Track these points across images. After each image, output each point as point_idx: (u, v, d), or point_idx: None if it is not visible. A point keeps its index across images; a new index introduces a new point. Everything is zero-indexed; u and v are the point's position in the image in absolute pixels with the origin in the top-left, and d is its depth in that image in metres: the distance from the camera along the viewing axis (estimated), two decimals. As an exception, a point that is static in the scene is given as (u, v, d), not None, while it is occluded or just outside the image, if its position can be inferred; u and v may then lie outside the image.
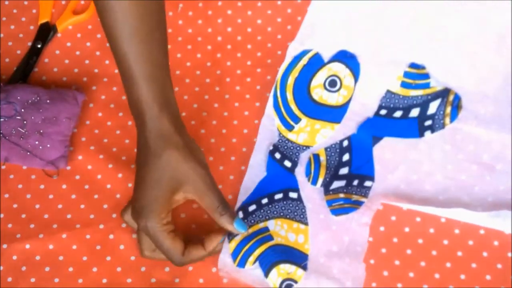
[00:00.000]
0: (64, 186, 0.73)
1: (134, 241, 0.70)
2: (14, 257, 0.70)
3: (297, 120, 0.73)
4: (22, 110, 0.73)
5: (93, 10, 0.81)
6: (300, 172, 0.71)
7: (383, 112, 0.73)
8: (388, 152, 0.71)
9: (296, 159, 0.71)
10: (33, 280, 0.69)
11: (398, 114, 0.72)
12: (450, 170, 0.70)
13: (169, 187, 0.62)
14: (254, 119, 0.75)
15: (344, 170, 0.71)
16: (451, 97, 0.72)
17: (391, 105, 0.73)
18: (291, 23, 0.79)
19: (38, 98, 0.73)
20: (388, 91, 0.73)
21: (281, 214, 0.69)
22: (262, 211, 0.69)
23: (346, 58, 0.74)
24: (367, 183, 0.70)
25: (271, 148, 0.72)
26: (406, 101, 0.73)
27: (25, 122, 0.72)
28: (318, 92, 0.73)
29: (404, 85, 0.73)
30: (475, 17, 0.75)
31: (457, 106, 0.72)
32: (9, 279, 0.69)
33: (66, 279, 0.69)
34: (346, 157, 0.71)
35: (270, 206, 0.69)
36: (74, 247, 0.70)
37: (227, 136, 0.74)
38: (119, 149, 0.75)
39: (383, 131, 0.72)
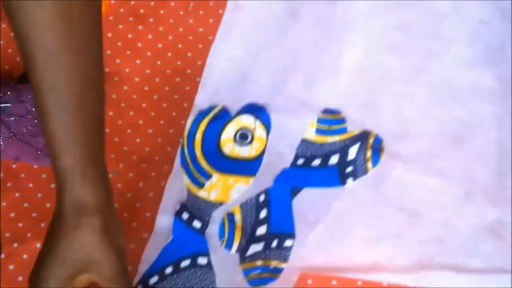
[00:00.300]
0: (74, 185, 0.73)
1: (144, 239, 0.69)
2: (25, 256, 0.69)
3: (207, 176, 0.68)
4: (33, 109, 0.73)
5: (104, 9, 0.81)
6: (212, 234, 0.66)
7: (300, 161, 0.69)
8: (309, 204, 0.67)
9: (207, 218, 0.67)
10: (43, 279, 0.69)
11: (316, 162, 0.69)
12: (376, 219, 0.67)
13: (75, 268, 0.53)
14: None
15: (262, 229, 0.66)
16: (371, 140, 0.69)
17: (309, 154, 0.69)
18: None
19: (48, 97, 0.73)
20: (304, 140, 0.70)
21: (187, 285, 0.64)
22: (165, 283, 0.64)
23: (255, 110, 0.71)
24: (287, 243, 0.66)
25: (177, 208, 0.67)
26: (323, 148, 0.69)
27: (36, 121, 0.72)
28: (229, 146, 0.69)
29: (319, 131, 0.70)
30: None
31: (378, 149, 0.69)
32: (20, 278, 0.69)
33: (76, 278, 0.69)
34: (263, 213, 0.67)
35: (174, 276, 0.64)
36: (84, 246, 0.70)
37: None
38: (129, 148, 0.75)
39: (302, 181, 0.68)
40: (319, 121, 0.70)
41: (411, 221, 0.66)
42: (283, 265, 0.65)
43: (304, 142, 0.69)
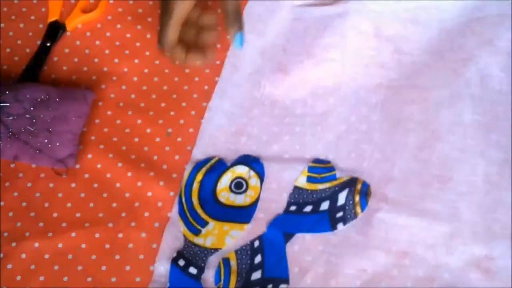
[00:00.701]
0: (73, 185, 0.73)
1: (142, 239, 0.70)
2: (23, 256, 0.70)
3: (204, 223, 0.70)
4: (32, 108, 0.73)
5: (102, 8, 0.81)
6: (208, 279, 0.68)
7: (292, 208, 0.71)
8: (301, 249, 0.69)
9: (203, 264, 0.68)
10: (42, 278, 0.69)
11: (308, 209, 0.70)
12: (367, 262, 0.68)
13: None
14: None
15: (256, 274, 0.68)
16: (359, 186, 0.71)
17: (300, 200, 0.71)
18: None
19: (47, 96, 0.73)
20: (296, 187, 0.72)
21: None
22: None
23: (249, 160, 0.73)
24: (282, 287, 0.67)
25: (174, 255, 0.69)
26: (314, 195, 0.71)
27: (34, 120, 0.72)
28: (225, 195, 0.71)
29: (310, 179, 0.72)
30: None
31: (365, 193, 0.70)
32: (18, 278, 0.69)
33: (75, 278, 0.69)
34: (258, 259, 0.68)
35: None
36: (83, 245, 0.70)
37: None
38: (128, 148, 0.75)
39: (294, 227, 0.70)
40: (310, 169, 0.72)
41: (400, 262, 0.68)
42: None
43: (296, 189, 0.72)
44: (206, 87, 0.77)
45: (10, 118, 0.72)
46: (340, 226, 0.69)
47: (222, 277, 0.68)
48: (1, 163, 0.73)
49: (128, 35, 0.80)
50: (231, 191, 0.72)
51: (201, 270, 0.69)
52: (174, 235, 0.70)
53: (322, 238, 0.69)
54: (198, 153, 0.74)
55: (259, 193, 0.72)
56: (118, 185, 0.73)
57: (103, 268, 0.69)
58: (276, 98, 0.76)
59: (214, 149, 0.74)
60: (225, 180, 0.72)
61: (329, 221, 0.70)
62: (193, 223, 0.71)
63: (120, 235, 0.70)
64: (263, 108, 0.76)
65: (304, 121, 0.75)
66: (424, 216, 0.69)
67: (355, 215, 0.70)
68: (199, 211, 0.71)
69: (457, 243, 0.68)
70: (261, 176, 0.72)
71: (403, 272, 0.67)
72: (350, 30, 0.77)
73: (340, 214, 0.70)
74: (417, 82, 0.75)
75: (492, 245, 0.67)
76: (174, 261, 0.69)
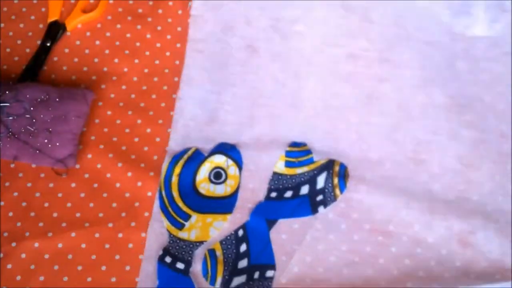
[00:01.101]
0: (73, 185, 0.73)
1: (143, 239, 0.70)
2: (23, 256, 0.69)
3: (186, 217, 0.70)
4: (31, 108, 0.73)
5: (102, 8, 0.81)
6: (196, 272, 0.69)
7: (273, 194, 0.71)
8: (285, 235, 0.70)
9: (189, 258, 0.69)
10: (42, 278, 0.69)
11: (288, 194, 0.71)
12: (350, 243, 0.69)
13: None
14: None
15: (243, 263, 0.69)
16: (336, 168, 0.71)
17: (280, 186, 0.71)
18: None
19: (47, 96, 0.73)
20: (275, 173, 0.72)
21: None
22: None
23: (226, 149, 0.73)
24: (269, 273, 0.68)
25: (160, 253, 0.69)
26: (294, 180, 0.72)
27: (34, 120, 0.72)
28: (205, 186, 0.72)
29: (288, 164, 0.72)
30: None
31: (343, 175, 0.71)
32: (18, 278, 0.69)
33: (75, 278, 0.69)
34: (243, 247, 0.69)
35: None
36: (83, 245, 0.70)
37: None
38: (128, 148, 0.75)
39: (276, 213, 0.71)
40: (287, 154, 0.73)
41: (382, 241, 0.69)
42: None
43: (275, 175, 0.72)
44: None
45: (10, 118, 0.72)
46: (321, 209, 0.70)
47: (209, 268, 0.68)
48: (1, 163, 0.73)
49: (128, 35, 0.80)
50: (211, 181, 0.72)
51: (188, 264, 0.69)
52: (158, 231, 0.70)
53: (304, 222, 0.70)
54: (174, 146, 0.73)
55: (239, 182, 0.72)
56: (118, 185, 0.73)
57: (103, 268, 0.69)
58: (246, 77, 0.75)
59: (189, 140, 0.73)
60: (204, 171, 0.72)
61: (309, 205, 0.70)
62: (176, 218, 0.70)
63: (120, 235, 0.70)
64: (233, 90, 0.75)
65: (277, 101, 0.74)
66: (401, 196, 0.70)
67: (334, 198, 0.71)
68: (181, 204, 0.71)
69: (435, 219, 0.69)
70: (239, 164, 0.72)
71: (384, 251, 0.69)
72: (318, 3, 0.77)
73: (320, 197, 0.70)
74: (388, 57, 0.75)
75: (468, 220, 0.69)
76: (161, 259, 0.69)
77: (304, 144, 0.73)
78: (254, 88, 0.75)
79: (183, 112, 0.75)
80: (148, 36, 0.80)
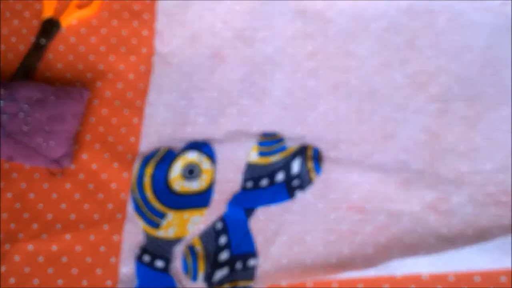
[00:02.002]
0: (68, 186, 0.72)
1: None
2: (17, 258, 0.69)
3: (162, 215, 0.71)
4: (27, 107, 0.72)
5: (97, 5, 0.80)
6: (176, 269, 0.69)
7: (249, 184, 0.72)
8: (264, 222, 0.70)
9: (169, 256, 0.69)
10: (36, 281, 0.68)
11: (264, 182, 0.72)
12: (328, 222, 0.70)
13: None
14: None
15: (224, 255, 0.69)
16: (310, 152, 0.73)
17: (255, 176, 0.72)
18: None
19: (43, 95, 0.72)
20: (249, 164, 0.73)
21: None
22: None
23: (198, 145, 0.74)
24: (251, 262, 0.69)
25: (138, 252, 0.69)
26: (268, 168, 0.73)
27: (29, 119, 0.71)
28: (179, 183, 0.72)
29: (262, 154, 0.73)
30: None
31: (317, 158, 0.72)
32: (12, 280, 0.68)
33: (70, 281, 0.68)
34: (223, 239, 0.70)
35: None
36: (78, 248, 0.69)
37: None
38: (124, 148, 0.74)
39: (253, 202, 0.71)
40: (260, 144, 0.74)
41: (360, 218, 0.70)
42: (251, 284, 0.68)
43: (250, 166, 0.73)
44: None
45: (5, 117, 0.71)
46: (298, 193, 0.71)
47: (190, 264, 0.68)
48: (-5, 163, 0.73)
49: (124, 32, 0.79)
50: (185, 178, 0.72)
51: (168, 262, 0.69)
52: (133, 232, 0.70)
53: (282, 208, 0.71)
54: (146, 149, 0.74)
55: (213, 176, 0.72)
56: (113, 185, 0.72)
57: (98, 271, 0.68)
58: (214, 82, 0.77)
59: (161, 144, 0.74)
60: (177, 168, 0.73)
61: (286, 190, 0.71)
62: (151, 217, 0.70)
63: (115, 237, 0.70)
64: (202, 94, 0.76)
65: (246, 99, 0.76)
66: (376, 171, 0.72)
67: (310, 181, 0.71)
68: (156, 204, 0.71)
69: (411, 190, 0.71)
70: (212, 158, 0.73)
71: (363, 226, 0.69)
72: (276, 13, 0.79)
73: (296, 182, 0.72)
74: (349, 49, 0.77)
75: (443, 188, 0.70)
76: (139, 258, 0.69)
77: (275, 133, 0.74)
78: (222, 91, 0.76)
79: (152, 118, 0.75)
80: (145, 33, 0.79)
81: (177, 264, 0.69)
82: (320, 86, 0.76)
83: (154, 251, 0.69)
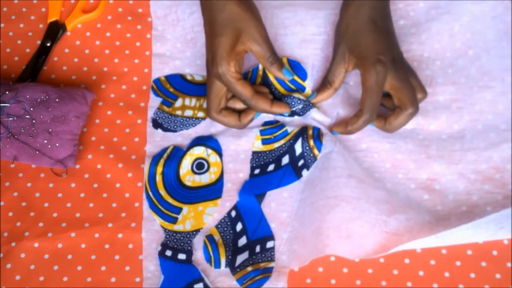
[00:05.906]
0: (73, 185, 0.73)
1: (142, 239, 0.70)
2: (23, 255, 0.69)
3: (178, 210, 0.72)
4: (31, 109, 0.73)
5: (102, 8, 0.81)
6: (199, 259, 0.70)
7: (257, 171, 0.73)
8: (277, 205, 0.72)
9: (189, 247, 0.70)
10: (41, 278, 0.69)
11: (271, 167, 0.73)
12: (332, 188, 0.70)
13: (232, 34, 0.68)
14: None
15: (242, 240, 0.70)
16: (310, 132, 0.74)
17: (262, 162, 0.74)
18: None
19: (47, 96, 0.73)
20: (254, 152, 0.74)
21: None
22: None
23: (204, 140, 0.75)
24: (269, 244, 0.70)
25: (159, 249, 0.70)
26: (274, 154, 0.74)
27: (34, 121, 0.72)
28: (190, 179, 0.73)
29: (265, 141, 0.74)
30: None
31: (318, 135, 0.73)
32: (17, 277, 0.69)
33: (75, 278, 0.69)
34: (239, 226, 0.71)
35: None
36: (83, 246, 0.70)
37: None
38: (128, 148, 0.75)
39: (263, 187, 0.72)
40: (262, 132, 0.75)
41: (364, 186, 0.70)
42: (272, 264, 0.69)
43: (255, 154, 0.74)
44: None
45: (10, 118, 0.72)
46: (304, 172, 0.72)
47: (211, 252, 0.70)
48: (1, 163, 0.73)
49: (128, 35, 0.80)
50: (195, 173, 0.73)
51: (189, 253, 0.70)
52: (152, 230, 0.71)
53: (292, 189, 0.72)
54: (152, 149, 0.75)
55: (222, 168, 0.74)
56: (118, 185, 0.73)
57: (103, 268, 0.69)
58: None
59: (166, 143, 0.75)
60: (186, 164, 0.74)
61: (293, 171, 0.73)
62: (168, 213, 0.72)
63: (120, 235, 0.70)
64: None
65: None
66: (389, 141, 0.74)
67: (314, 158, 0.73)
68: (170, 200, 0.72)
69: (400, 173, 0.72)
70: (218, 151, 0.74)
71: (364, 195, 0.69)
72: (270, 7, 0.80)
73: (301, 162, 0.73)
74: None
75: (430, 167, 0.72)
76: (161, 253, 0.70)
77: (276, 121, 0.75)
78: None
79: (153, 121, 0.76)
80: (148, 36, 0.80)
81: (198, 255, 0.70)
82: (313, 73, 0.77)
83: (175, 245, 0.70)
